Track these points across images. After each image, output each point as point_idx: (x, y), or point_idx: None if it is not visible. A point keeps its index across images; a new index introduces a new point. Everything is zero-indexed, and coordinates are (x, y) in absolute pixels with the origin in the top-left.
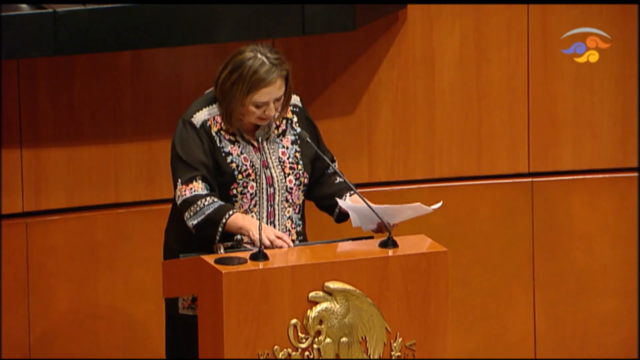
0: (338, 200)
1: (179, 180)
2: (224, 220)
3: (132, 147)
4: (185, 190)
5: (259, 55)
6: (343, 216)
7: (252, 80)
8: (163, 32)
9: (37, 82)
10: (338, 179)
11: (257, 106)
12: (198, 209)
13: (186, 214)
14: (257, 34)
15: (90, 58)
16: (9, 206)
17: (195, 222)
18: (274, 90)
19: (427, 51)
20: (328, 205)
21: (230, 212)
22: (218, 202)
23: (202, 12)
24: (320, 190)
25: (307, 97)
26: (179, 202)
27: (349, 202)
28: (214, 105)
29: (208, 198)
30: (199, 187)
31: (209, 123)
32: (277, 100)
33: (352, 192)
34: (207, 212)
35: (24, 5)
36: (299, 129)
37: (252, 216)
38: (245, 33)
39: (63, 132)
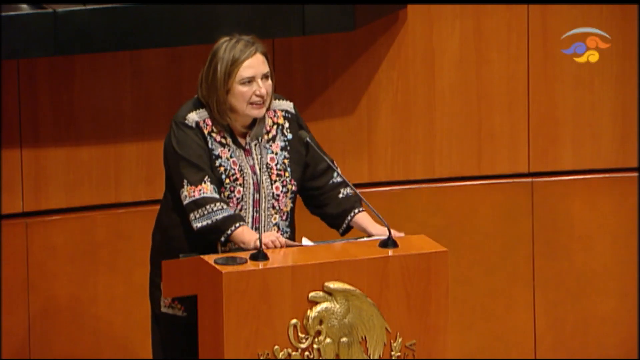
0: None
1: (185, 181)
2: (228, 232)
3: (132, 147)
4: (194, 192)
5: (233, 38)
6: (348, 229)
7: (231, 57)
8: (163, 32)
9: (37, 82)
10: (341, 193)
11: (244, 83)
12: (206, 212)
13: (192, 215)
14: (257, 34)
15: (90, 58)
16: (9, 206)
17: (200, 224)
18: (256, 63)
19: (427, 51)
20: (332, 223)
21: (237, 225)
22: (227, 211)
23: (202, 12)
24: (325, 210)
25: (307, 97)
26: (186, 202)
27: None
28: (202, 109)
29: (218, 204)
30: (208, 188)
31: (200, 124)
32: (265, 77)
33: (355, 210)
34: (214, 218)
35: (24, 5)
36: (290, 135)
37: None
38: (245, 33)
39: (63, 132)
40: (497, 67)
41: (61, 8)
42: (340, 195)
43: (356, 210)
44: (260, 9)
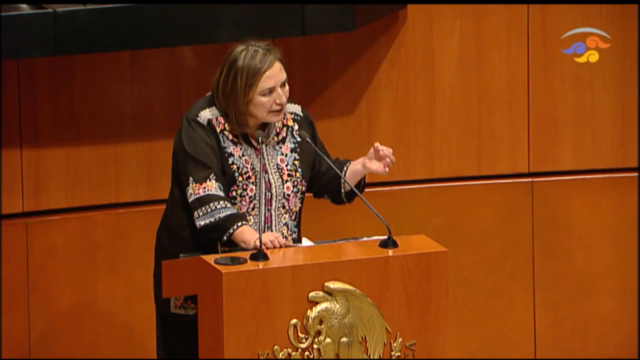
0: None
1: (191, 179)
2: (231, 230)
3: (132, 147)
4: (198, 189)
5: (250, 47)
6: (351, 193)
7: (251, 69)
8: (163, 32)
9: (37, 82)
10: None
11: (265, 94)
12: (210, 210)
13: (196, 212)
14: (257, 34)
15: (90, 58)
16: (9, 206)
17: (203, 222)
18: (275, 72)
19: (427, 51)
20: (333, 190)
21: (239, 224)
22: (230, 209)
23: (202, 12)
24: (325, 177)
25: (307, 97)
26: (190, 199)
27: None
28: (215, 108)
29: (221, 202)
30: (212, 186)
31: (213, 122)
32: (283, 85)
33: (347, 164)
34: (217, 216)
35: (24, 5)
36: (299, 137)
37: (250, 219)
38: (245, 33)
39: (63, 132)
40: (497, 67)
41: (61, 8)
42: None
43: (348, 164)
44: (260, 9)
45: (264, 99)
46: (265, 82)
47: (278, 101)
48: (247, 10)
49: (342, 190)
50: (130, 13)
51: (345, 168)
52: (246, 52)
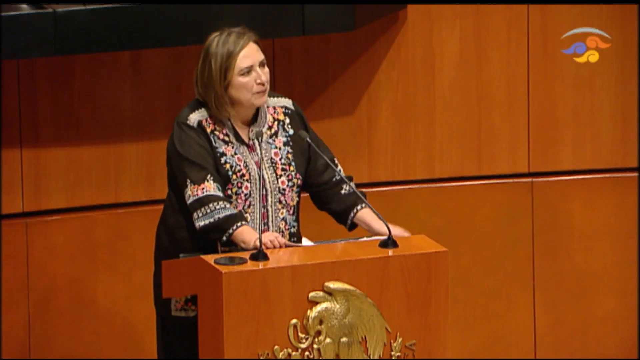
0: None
1: (188, 180)
2: (230, 231)
3: (132, 147)
4: (197, 190)
5: (224, 32)
6: (353, 226)
7: (226, 50)
8: (163, 32)
9: (37, 82)
10: (343, 189)
11: (244, 74)
12: (209, 210)
13: (195, 213)
14: (257, 34)
15: (90, 58)
16: (9, 206)
17: (202, 223)
18: (252, 52)
19: (427, 51)
20: (338, 219)
21: (239, 224)
22: (229, 209)
23: (202, 12)
24: (330, 207)
25: (307, 97)
26: (189, 201)
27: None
28: (203, 109)
29: (220, 202)
30: (211, 187)
31: (203, 123)
32: (262, 65)
33: (359, 206)
34: (217, 216)
35: (24, 5)
36: (291, 131)
37: (247, 217)
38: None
39: (63, 132)
40: (497, 67)
41: (61, 8)
42: (343, 192)
43: (358, 207)
44: (260, 9)
45: (243, 80)
46: (242, 62)
47: (258, 80)
48: (247, 10)
49: (347, 223)
50: (130, 13)
51: (355, 211)
52: (219, 38)
